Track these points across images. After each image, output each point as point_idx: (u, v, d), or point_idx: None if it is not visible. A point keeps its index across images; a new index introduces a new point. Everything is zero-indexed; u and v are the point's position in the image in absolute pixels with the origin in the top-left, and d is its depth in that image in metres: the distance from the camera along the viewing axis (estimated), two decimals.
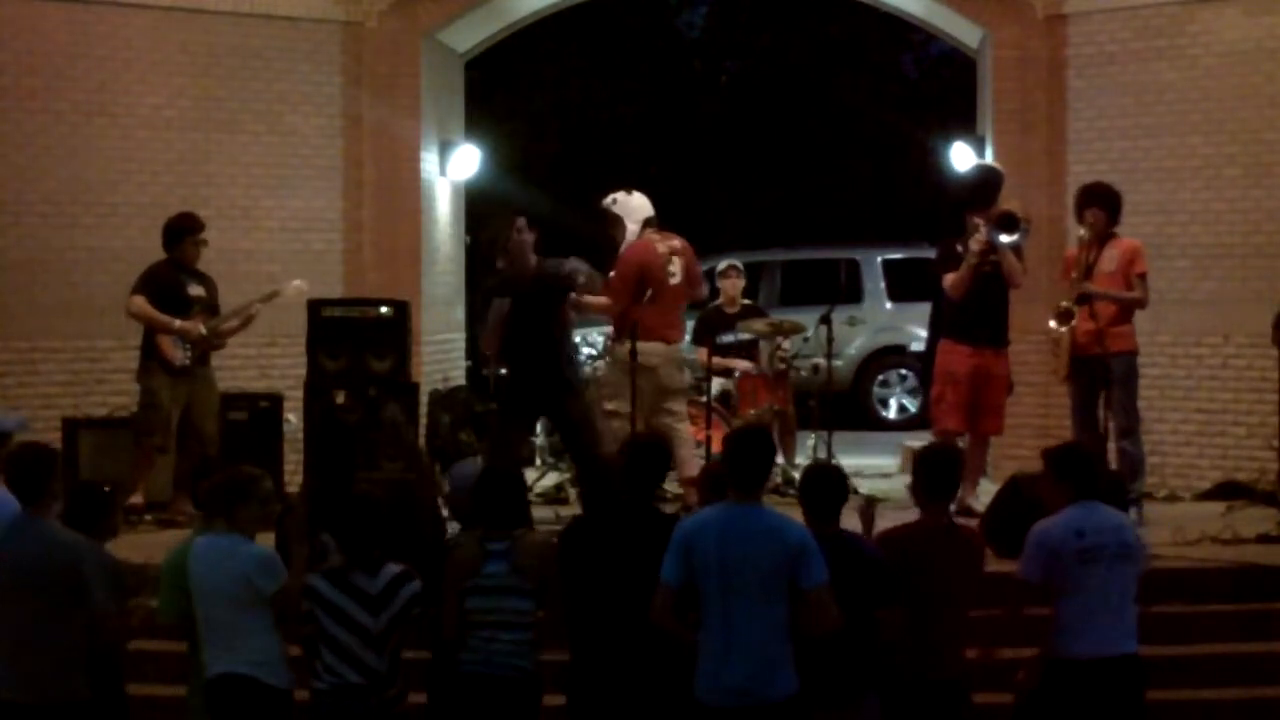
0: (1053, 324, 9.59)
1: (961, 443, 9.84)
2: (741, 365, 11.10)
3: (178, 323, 9.80)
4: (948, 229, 10.02)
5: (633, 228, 9.84)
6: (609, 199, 9.99)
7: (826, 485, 6.30)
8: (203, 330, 9.87)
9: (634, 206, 9.92)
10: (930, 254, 10.67)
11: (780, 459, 10.85)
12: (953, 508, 9.47)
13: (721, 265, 11.98)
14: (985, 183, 9.96)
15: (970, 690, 6.47)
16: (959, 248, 9.67)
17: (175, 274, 9.95)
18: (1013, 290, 9.77)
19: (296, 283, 10.30)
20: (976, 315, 9.60)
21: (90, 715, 6.05)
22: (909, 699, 6.19)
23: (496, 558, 6.19)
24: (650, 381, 9.56)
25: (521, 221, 9.11)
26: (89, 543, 6.09)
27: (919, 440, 11.47)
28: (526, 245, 9.04)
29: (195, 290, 9.98)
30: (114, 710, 6.31)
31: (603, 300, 9.75)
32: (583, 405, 9.18)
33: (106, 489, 6.60)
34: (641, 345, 9.43)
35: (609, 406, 9.66)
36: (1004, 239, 9.48)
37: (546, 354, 9.01)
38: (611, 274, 9.76)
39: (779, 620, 5.79)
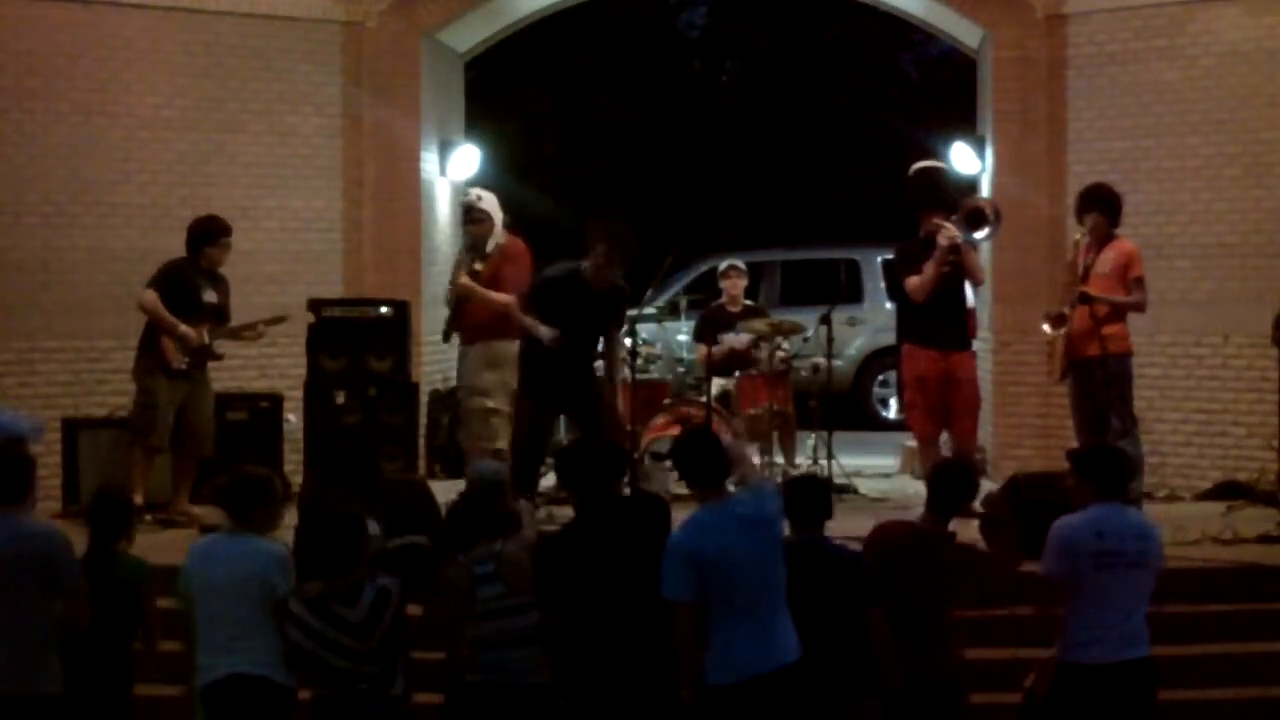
0: (1046, 328, 9.57)
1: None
2: (731, 340, 11.07)
3: (182, 328, 9.74)
4: (908, 232, 10.00)
5: (498, 226, 9.92)
6: (476, 194, 10.05)
7: (809, 493, 6.38)
8: (205, 340, 9.84)
9: (497, 205, 10.01)
10: None
11: (780, 459, 10.87)
12: None
13: (723, 265, 11.97)
14: (929, 184, 9.96)
15: (966, 690, 6.48)
16: (924, 232, 9.60)
17: (192, 276, 9.88)
18: (974, 285, 9.77)
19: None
20: (938, 318, 9.56)
21: (62, 709, 6.02)
22: (905, 700, 6.20)
23: (487, 581, 6.13)
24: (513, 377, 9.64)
25: (602, 249, 8.89)
26: (60, 533, 6.08)
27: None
28: (610, 274, 8.99)
29: (209, 296, 9.90)
30: (113, 707, 6.30)
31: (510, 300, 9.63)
32: (601, 391, 9.23)
33: (127, 496, 6.65)
34: (510, 344, 9.56)
35: (490, 404, 9.71)
36: (976, 236, 9.45)
37: (582, 364, 9.12)
38: (508, 275, 9.72)
39: (782, 588, 5.92)
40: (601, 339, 9.36)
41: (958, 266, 9.51)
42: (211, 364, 10.04)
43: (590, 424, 9.15)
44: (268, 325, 10.16)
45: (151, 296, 9.78)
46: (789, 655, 5.91)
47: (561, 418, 10.73)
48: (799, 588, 5.99)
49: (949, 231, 9.39)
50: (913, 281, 9.51)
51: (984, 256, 10.56)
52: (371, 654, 5.94)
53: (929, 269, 9.43)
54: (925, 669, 6.23)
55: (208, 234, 9.93)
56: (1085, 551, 6.20)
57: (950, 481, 6.56)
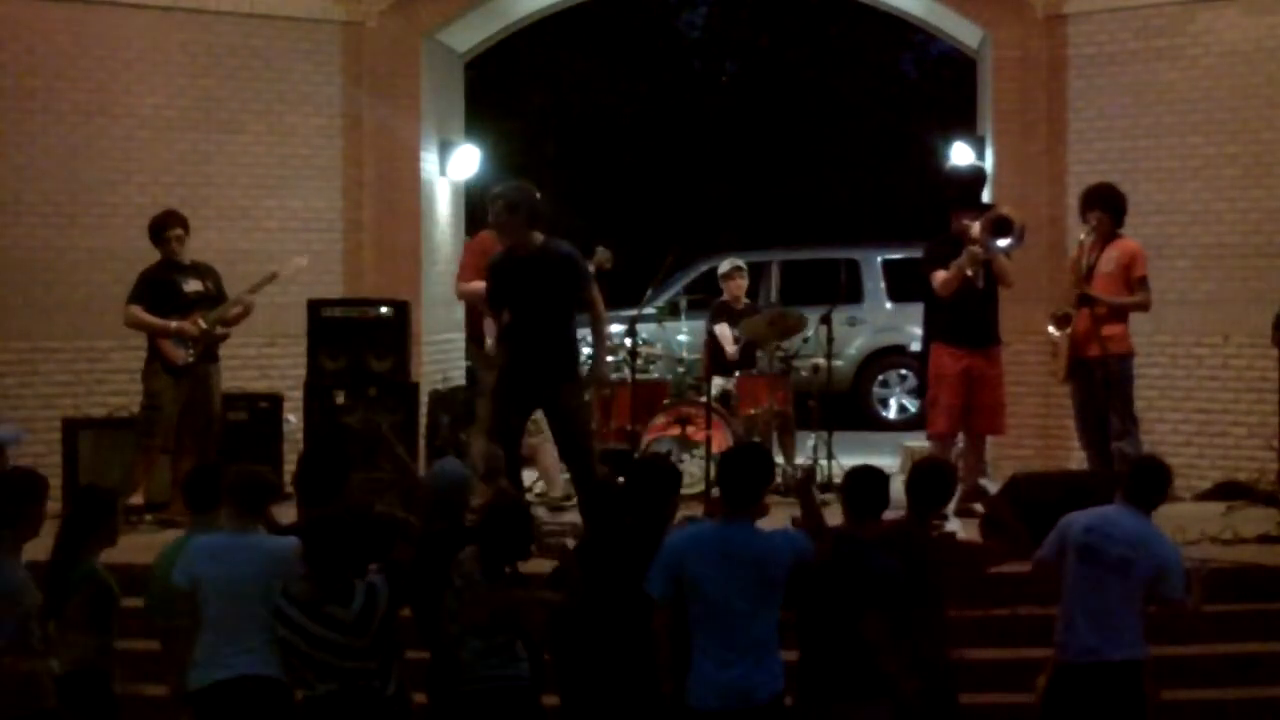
0: (1051, 329, 9.57)
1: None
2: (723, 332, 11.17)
3: (174, 324, 9.76)
4: (941, 226, 10.00)
5: None
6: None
7: (868, 486, 6.33)
8: (202, 325, 9.84)
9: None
10: None
11: (780, 459, 10.86)
12: (951, 509, 9.58)
13: (725, 267, 11.95)
14: (975, 180, 9.98)
15: (955, 688, 6.46)
16: (954, 230, 9.61)
17: (168, 274, 9.88)
18: (1004, 289, 9.76)
19: (297, 260, 10.30)
20: (965, 318, 9.57)
21: None
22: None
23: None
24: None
25: (499, 204, 8.65)
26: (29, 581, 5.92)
27: (919, 440, 11.49)
28: (517, 224, 8.64)
29: (192, 286, 9.91)
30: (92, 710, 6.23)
31: None
32: (578, 398, 9.02)
33: (109, 493, 6.58)
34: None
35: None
36: (999, 244, 9.46)
37: (551, 336, 8.66)
38: None
39: (772, 625, 5.92)
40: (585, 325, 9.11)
41: (987, 266, 9.53)
42: (222, 364, 10.04)
43: (561, 438, 8.98)
44: (262, 286, 10.02)
45: (133, 310, 9.81)
46: (756, 698, 5.86)
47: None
48: (838, 585, 6.01)
49: (974, 248, 9.38)
50: (938, 275, 9.55)
51: None
52: (367, 650, 5.96)
53: (954, 266, 9.46)
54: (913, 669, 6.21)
55: (154, 232, 9.93)
56: (1072, 542, 6.29)
57: (928, 481, 6.52)
